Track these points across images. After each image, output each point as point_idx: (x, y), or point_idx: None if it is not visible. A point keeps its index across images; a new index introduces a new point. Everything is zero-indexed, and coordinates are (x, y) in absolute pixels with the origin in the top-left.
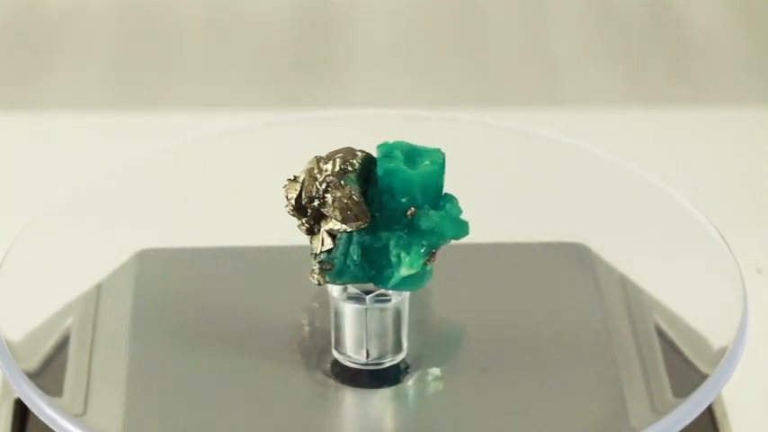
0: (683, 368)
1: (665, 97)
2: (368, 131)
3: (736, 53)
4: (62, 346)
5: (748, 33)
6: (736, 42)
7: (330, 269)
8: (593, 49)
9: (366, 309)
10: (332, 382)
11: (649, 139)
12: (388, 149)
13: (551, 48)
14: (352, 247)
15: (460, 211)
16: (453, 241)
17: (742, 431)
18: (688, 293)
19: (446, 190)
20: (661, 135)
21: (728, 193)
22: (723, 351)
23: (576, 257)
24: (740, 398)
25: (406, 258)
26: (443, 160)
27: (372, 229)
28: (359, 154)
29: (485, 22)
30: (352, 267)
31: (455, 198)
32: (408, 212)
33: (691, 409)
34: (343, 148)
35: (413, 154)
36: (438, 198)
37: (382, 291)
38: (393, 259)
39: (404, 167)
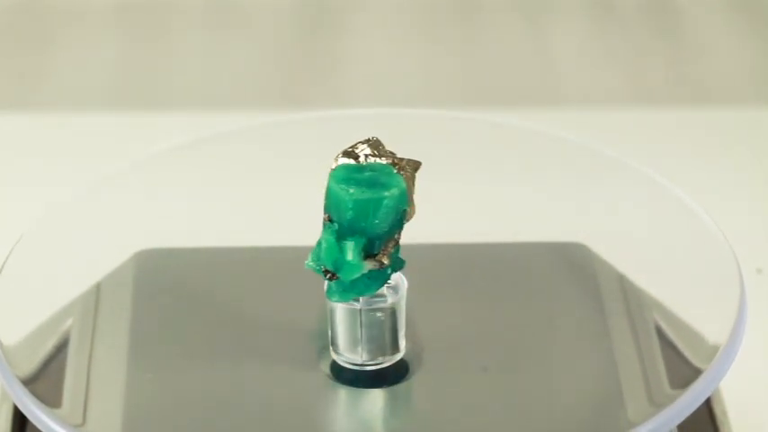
0: (682, 368)
1: (665, 97)
2: (368, 131)
3: (737, 53)
4: (61, 348)
5: (748, 33)
6: (737, 42)
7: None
8: (594, 49)
9: (361, 309)
10: (331, 382)
11: (649, 138)
12: (375, 167)
13: (551, 47)
14: None
15: (351, 257)
16: (452, 241)
17: (742, 431)
18: (688, 293)
19: (445, 189)
20: (661, 135)
21: (729, 193)
22: (721, 347)
23: (576, 257)
24: (740, 397)
25: None
26: (360, 202)
27: None
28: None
29: (485, 22)
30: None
31: (358, 247)
32: (324, 217)
33: (683, 407)
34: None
35: (376, 182)
36: (349, 230)
37: (378, 292)
38: None
39: (335, 175)
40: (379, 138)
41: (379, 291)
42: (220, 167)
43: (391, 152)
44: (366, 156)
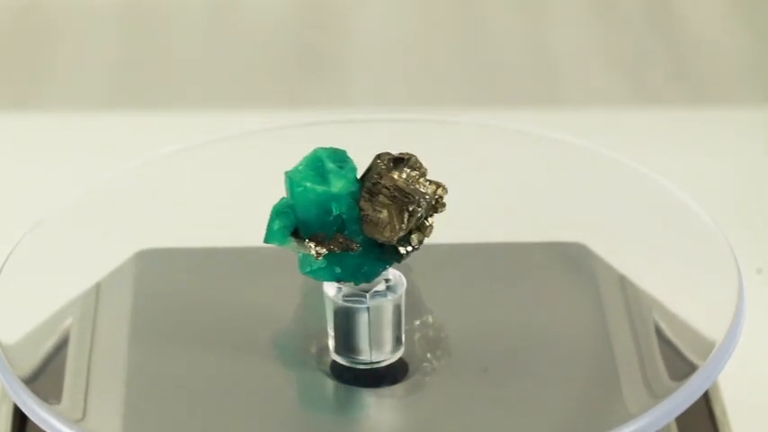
0: (681, 365)
1: (665, 97)
2: (367, 135)
3: (737, 53)
4: (61, 347)
5: (748, 33)
6: (737, 42)
7: None
8: (594, 49)
9: (360, 307)
10: (331, 381)
11: (649, 138)
12: (347, 166)
13: (551, 48)
14: None
15: (273, 224)
16: (452, 241)
17: (742, 430)
18: (687, 293)
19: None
20: (661, 135)
21: (728, 193)
22: (719, 345)
23: (576, 257)
24: (740, 397)
25: None
26: (287, 178)
27: None
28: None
29: (485, 22)
30: None
31: (283, 219)
32: None
33: (680, 401)
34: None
35: (323, 174)
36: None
37: (378, 289)
38: None
39: (316, 151)
40: (376, 141)
41: (379, 288)
42: (220, 168)
43: (414, 175)
44: (381, 166)
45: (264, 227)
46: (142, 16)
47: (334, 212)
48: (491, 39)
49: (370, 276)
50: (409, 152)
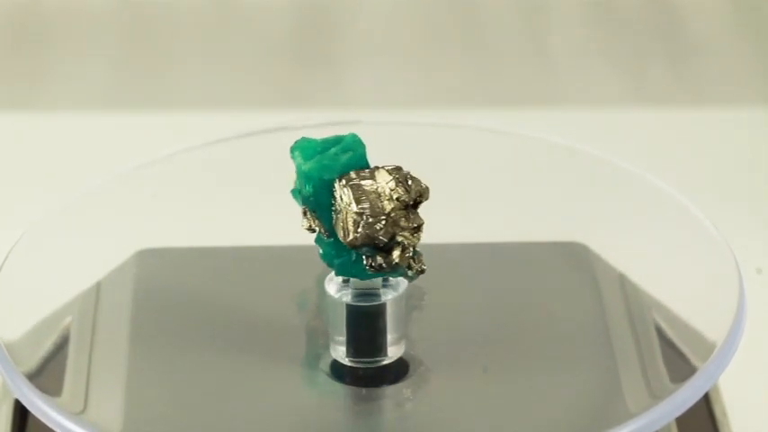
0: (681, 366)
1: (665, 97)
2: (368, 136)
3: (736, 53)
4: (61, 346)
5: (748, 33)
6: (737, 42)
7: None
8: (593, 49)
9: (360, 306)
10: (331, 381)
11: (649, 139)
12: (352, 159)
13: (551, 47)
14: None
15: (295, 182)
16: (452, 241)
17: (742, 431)
18: (687, 293)
19: (445, 190)
20: (661, 135)
21: (728, 193)
22: (720, 346)
23: (576, 257)
24: (740, 397)
25: None
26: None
27: None
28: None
29: (484, 22)
30: None
31: (298, 180)
32: None
33: (680, 401)
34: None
35: (324, 152)
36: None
37: (375, 288)
38: None
39: (350, 134)
40: (373, 143)
41: (376, 288)
42: (220, 168)
43: (396, 196)
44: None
45: (264, 227)
46: (142, 16)
47: (304, 190)
48: (491, 38)
49: (340, 272)
50: (423, 182)
